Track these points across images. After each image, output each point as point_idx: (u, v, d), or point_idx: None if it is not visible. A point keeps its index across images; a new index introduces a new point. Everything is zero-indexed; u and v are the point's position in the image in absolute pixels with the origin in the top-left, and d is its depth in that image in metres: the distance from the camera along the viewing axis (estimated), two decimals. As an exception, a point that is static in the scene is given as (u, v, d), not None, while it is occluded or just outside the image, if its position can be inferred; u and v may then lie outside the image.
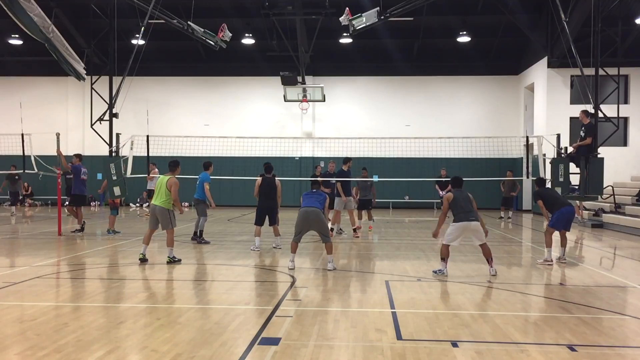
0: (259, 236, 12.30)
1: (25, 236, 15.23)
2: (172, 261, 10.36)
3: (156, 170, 20.48)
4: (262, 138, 24.27)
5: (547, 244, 10.68)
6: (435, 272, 9.48)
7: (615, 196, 18.93)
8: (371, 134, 25.41)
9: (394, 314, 6.68)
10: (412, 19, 24.08)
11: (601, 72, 14.63)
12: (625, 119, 23.28)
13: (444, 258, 9.40)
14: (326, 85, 26.14)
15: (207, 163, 13.87)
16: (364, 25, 17.36)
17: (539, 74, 24.79)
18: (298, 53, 24.65)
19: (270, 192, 12.24)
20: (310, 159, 27.55)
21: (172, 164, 11.03)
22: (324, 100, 25.94)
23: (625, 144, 23.71)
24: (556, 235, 10.83)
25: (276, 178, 12.53)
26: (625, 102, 23.17)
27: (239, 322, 6.29)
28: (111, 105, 15.91)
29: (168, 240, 10.51)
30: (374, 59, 27.84)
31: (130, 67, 15.50)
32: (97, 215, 18.88)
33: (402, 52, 27.19)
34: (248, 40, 26.07)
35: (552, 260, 10.54)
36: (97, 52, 25.19)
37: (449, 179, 12.22)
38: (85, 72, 13.89)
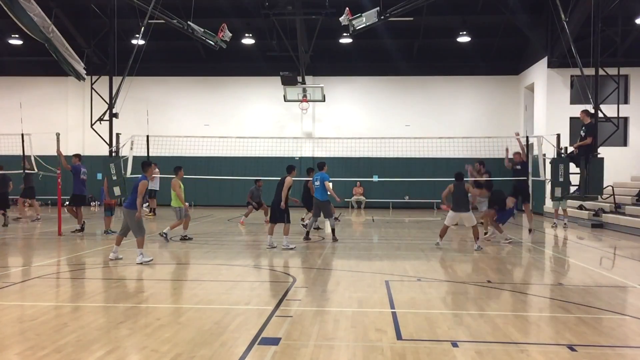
0: (270, 234, 12.71)
1: (25, 236, 15.22)
2: None
3: (157, 170, 20.49)
4: (262, 138, 24.26)
5: None
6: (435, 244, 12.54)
7: (615, 196, 18.91)
8: (371, 134, 25.38)
9: (394, 314, 6.68)
10: (412, 19, 24.05)
11: (601, 72, 14.62)
12: (625, 119, 23.25)
13: (442, 235, 12.73)
14: (326, 85, 26.11)
15: (321, 163, 14.32)
16: (364, 25, 17.34)
17: (539, 74, 24.77)
18: (298, 53, 24.63)
19: (277, 188, 12.64)
20: (310, 159, 27.51)
21: None
22: (324, 100, 25.91)
23: (625, 144, 23.68)
24: None
25: (288, 177, 12.60)
26: (625, 102, 23.13)
27: (239, 322, 6.29)
28: (111, 105, 15.90)
29: None
30: (374, 59, 27.81)
31: (130, 67, 15.49)
32: (97, 216, 18.86)
33: (402, 52, 27.15)
34: (248, 40, 26.05)
35: None
36: (97, 52, 25.17)
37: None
38: (85, 72, 13.87)
